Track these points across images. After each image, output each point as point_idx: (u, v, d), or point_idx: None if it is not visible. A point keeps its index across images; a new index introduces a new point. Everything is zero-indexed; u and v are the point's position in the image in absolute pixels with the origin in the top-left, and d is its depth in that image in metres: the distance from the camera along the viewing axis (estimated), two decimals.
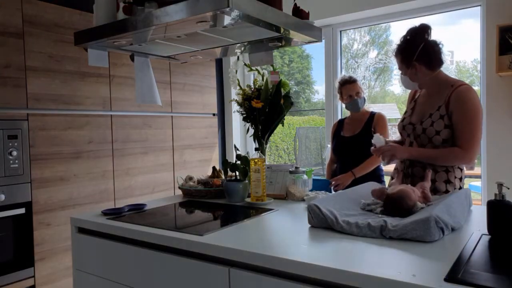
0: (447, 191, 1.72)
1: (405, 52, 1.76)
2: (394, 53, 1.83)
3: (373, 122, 2.52)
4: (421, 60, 1.73)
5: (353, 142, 2.54)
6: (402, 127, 1.86)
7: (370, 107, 2.68)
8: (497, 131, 2.60)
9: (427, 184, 1.58)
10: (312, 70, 4.64)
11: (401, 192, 1.37)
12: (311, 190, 1.99)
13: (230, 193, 1.90)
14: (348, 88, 2.55)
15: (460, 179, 1.77)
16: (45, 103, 2.36)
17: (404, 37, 1.78)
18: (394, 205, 1.36)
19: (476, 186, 4.45)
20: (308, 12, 1.79)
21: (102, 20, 1.69)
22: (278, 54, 4.13)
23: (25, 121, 2.27)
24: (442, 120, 1.69)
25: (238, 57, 2.29)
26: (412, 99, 1.94)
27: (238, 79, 2.31)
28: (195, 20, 1.45)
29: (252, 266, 1.12)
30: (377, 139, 1.82)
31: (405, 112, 1.92)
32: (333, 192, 2.29)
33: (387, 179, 2.41)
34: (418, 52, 1.72)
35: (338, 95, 2.68)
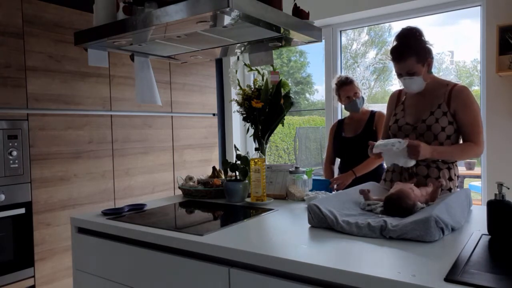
0: (449, 189, 1.75)
1: (420, 50, 1.73)
2: (400, 57, 1.74)
3: (374, 121, 2.51)
4: (430, 57, 1.77)
5: (355, 142, 2.53)
6: (398, 128, 1.85)
7: (370, 106, 2.67)
8: (497, 131, 2.60)
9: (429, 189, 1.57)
10: (312, 70, 4.63)
11: (400, 192, 1.37)
12: (311, 190, 1.99)
13: (230, 193, 1.90)
14: (345, 90, 2.54)
15: (458, 177, 1.82)
16: (45, 103, 2.36)
17: (407, 38, 1.74)
18: (394, 205, 1.36)
19: (476, 186, 4.44)
20: (308, 12, 1.79)
21: (102, 20, 1.69)
22: (276, 53, 4.13)
23: (25, 121, 2.27)
24: (446, 117, 1.73)
25: (238, 57, 2.29)
26: (398, 102, 1.95)
27: (238, 79, 2.31)
28: (195, 20, 1.45)
29: (252, 266, 1.12)
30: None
31: (395, 114, 1.91)
32: (333, 192, 2.29)
33: None
34: (427, 48, 1.75)
35: (336, 97, 2.67)
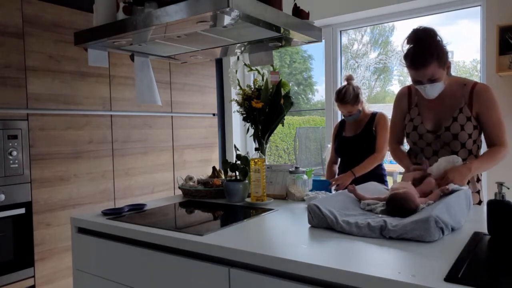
0: (478, 192, 1.73)
1: (441, 54, 1.58)
2: (421, 64, 1.57)
3: (374, 122, 2.52)
4: (447, 59, 1.62)
5: (354, 142, 2.53)
6: (419, 136, 1.74)
7: (371, 107, 2.66)
8: None
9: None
10: (313, 70, 4.64)
11: (406, 194, 1.37)
12: (311, 190, 1.99)
13: (230, 193, 1.90)
14: (340, 107, 2.54)
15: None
16: (45, 103, 2.36)
17: (425, 41, 1.58)
18: (396, 205, 1.35)
19: None
20: (308, 12, 1.79)
21: (102, 20, 1.69)
22: (277, 54, 4.13)
23: (25, 121, 2.27)
24: (470, 122, 1.65)
25: (238, 57, 2.29)
26: (411, 103, 1.82)
27: (238, 79, 2.31)
28: (195, 20, 1.45)
29: (252, 266, 1.12)
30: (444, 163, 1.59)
31: (411, 119, 1.78)
32: (333, 192, 2.29)
33: (389, 179, 2.39)
34: (446, 50, 1.61)
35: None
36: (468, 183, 1.70)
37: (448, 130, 1.67)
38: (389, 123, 2.44)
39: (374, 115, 2.54)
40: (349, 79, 2.56)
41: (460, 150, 1.68)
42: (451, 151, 1.69)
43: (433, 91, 1.64)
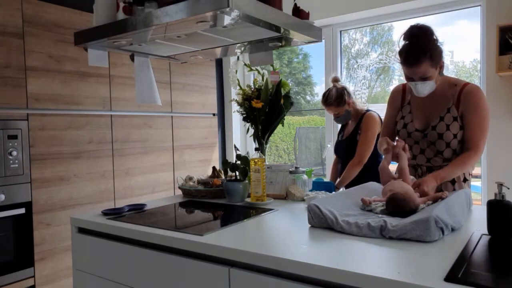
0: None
1: (435, 54, 1.58)
2: (413, 62, 1.58)
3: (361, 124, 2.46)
4: (441, 58, 1.63)
5: (346, 143, 2.53)
6: (408, 134, 1.76)
7: (371, 107, 2.64)
8: (497, 131, 2.60)
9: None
10: (313, 70, 4.64)
11: (407, 195, 1.36)
12: (311, 190, 1.99)
13: (230, 193, 1.90)
14: (326, 109, 2.54)
15: (471, 175, 1.78)
16: (45, 103, 2.36)
17: (420, 39, 1.58)
18: (396, 205, 1.35)
19: (476, 186, 4.44)
20: (308, 12, 1.79)
21: (102, 20, 1.69)
22: (276, 53, 4.13)
23: (25, 121, 2.27)
24: (457, 122, 1.65)
25: (238, 57, 2.29)
26: (404, 101, 1.83)
27: (238, 79, 2.31)
28: (195, 20, 1.45)
29: (252, 266, 1.12)
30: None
31: (403, 117, 1.81)
32: (333, 192, 2.28)
33: None
34: (440, 50, 1.61)
35: None
36: (454, 183, 1.72)
37: (434, 130, 1.68)
38: (373, 125, 2.40)
39: (363, 115, 2.48)
40: (334, 80, 2.54)
41: (445, 150, 1.68)
42: (436, 150, 1.70)
43: (423, 89, 1.64)
